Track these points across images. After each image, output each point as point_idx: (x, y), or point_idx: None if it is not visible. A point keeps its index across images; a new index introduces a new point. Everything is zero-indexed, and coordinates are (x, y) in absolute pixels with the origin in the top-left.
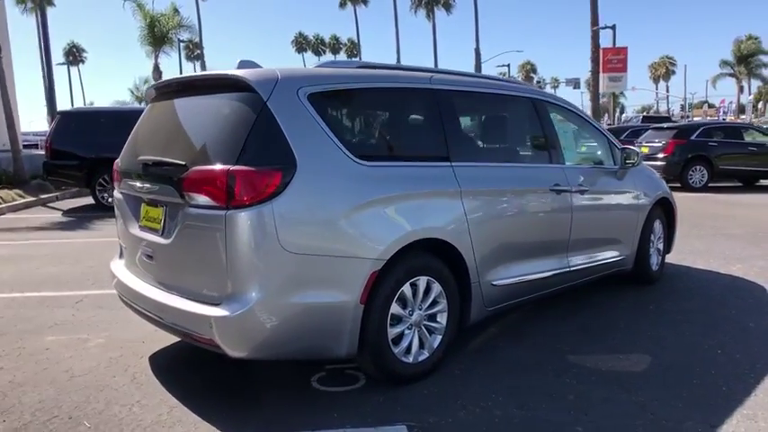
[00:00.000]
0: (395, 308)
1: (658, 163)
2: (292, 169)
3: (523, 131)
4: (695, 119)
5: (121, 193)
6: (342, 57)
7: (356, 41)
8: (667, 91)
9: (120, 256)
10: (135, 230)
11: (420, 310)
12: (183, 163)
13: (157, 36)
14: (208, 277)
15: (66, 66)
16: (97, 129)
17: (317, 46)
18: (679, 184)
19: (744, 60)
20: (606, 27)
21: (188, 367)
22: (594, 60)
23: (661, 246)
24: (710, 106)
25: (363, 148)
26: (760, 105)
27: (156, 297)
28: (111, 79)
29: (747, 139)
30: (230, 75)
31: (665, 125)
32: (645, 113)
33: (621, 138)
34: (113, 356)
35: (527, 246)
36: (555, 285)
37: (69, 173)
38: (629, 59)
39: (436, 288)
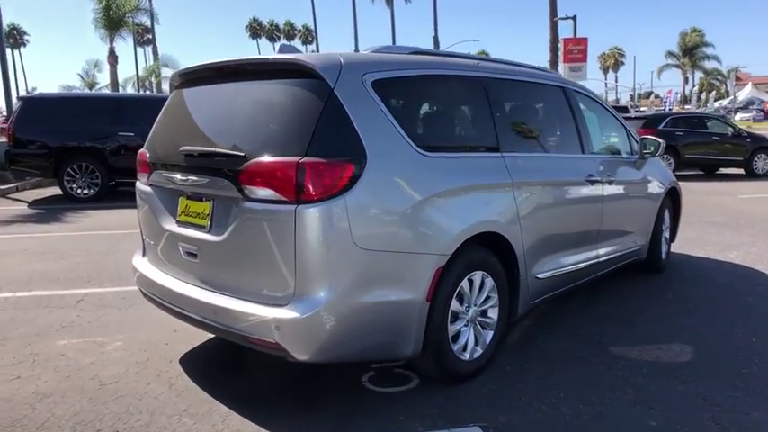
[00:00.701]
0: (454, 304)
1: None
2: (363, 161)
3: (558, 121)
4: (642, 109)
5: (151, 185)
6: (296, 44)
7: (312, 28)
8: (616, 81)
9: (144, 252)
10: (170, 226)
11: (475, 305)
12: (242, 154)
13: (113, 19)
14: (270, 277)
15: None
16: (64, 116)
17: (272, 32)
18: None
19: (689, 52)
20: (567, 18)
21: (225, 370)
22: (553, 50)
23: (668, 234)
24: (657, 97)
25: (424, 138)
26: (703, 96)
27: (202, 297)
28: (56, 64)
29: (712, 129)
30: (292, 60)
31: (632, 115)
32: None
33: None
34: (139, 361)
35: (566, 237)
36: (586, 276)
37: (35, 162)
38: None
39: (489, 283)
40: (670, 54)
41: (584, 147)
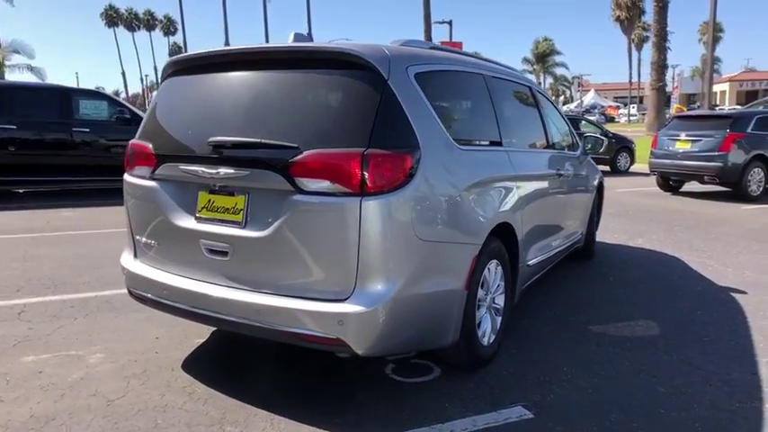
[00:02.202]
0: (480, 292)
1: None
2: (418, 152)
3: (532, 118)
4: None
5: (156, 179)
6: (157, 35)
7: (174, 19)
8: None
9: (136, 253)
10: (185, 222)
11: (490, 293)
12: (295, 145)
13: None
14: (327, 271)
15: None
16: None
17: (131, 21)
18: None
19: (541, 59)
20: (443, 22)
21: (235, 371)
22: None
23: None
24: None
25: (453, 132)
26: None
27: (239, 297)
28: None
29: (583, 129)
30: (342, 50)
31: None
32: None
33: None
34: (136, 372)
35: (545, 227)
36: (550, 264)
37: None
38: None
39: (500, 271)
40: (525, 60)
41: (550, 143)
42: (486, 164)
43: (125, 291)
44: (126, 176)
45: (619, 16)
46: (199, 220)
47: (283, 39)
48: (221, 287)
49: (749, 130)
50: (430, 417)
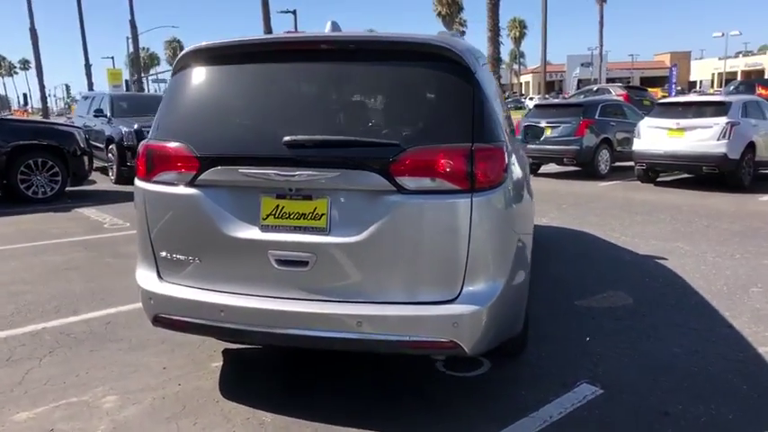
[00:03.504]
0: None
1: None
2: (507, 146)
3: (504, 105)
4: None
5: (200, 186)
6: None
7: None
8: None
9: (161, 272)
10: (246, 233)
11: None
12: (396, 143)
13: None
14: (432, 272)
15: None
16: None
17: None
18: None
19: None
20: (288, 11)
21: (287, 389)
22: None
23: None
24: None
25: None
26: None
27: (332, 310)
28: None
29: None
30: (429, 41)
31: None
32: None
33: None
34: (176, 411)
35: None
36: None
37: None
38: None
39: None
40: None
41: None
42: (518, 155)
43: (75, 319)
44: (144, 185)
45: (440, 12)
46: (265, 228)
47: (103, 25)
48: (302, 301)
49: (597, 117)
50: (519, 406)
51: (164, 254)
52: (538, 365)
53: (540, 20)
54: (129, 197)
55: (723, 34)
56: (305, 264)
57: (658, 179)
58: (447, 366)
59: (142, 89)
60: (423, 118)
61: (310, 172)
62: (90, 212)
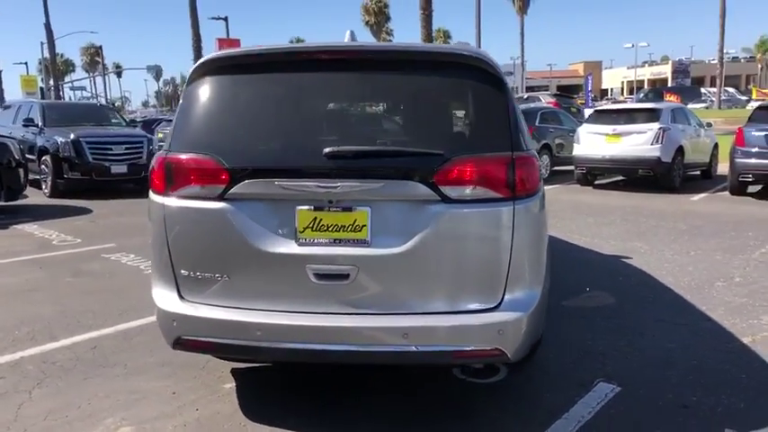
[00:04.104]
0: None
1: None
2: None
3: None
4: None
5: (231, 199)
6: None
7: None
8: None
9: (182, 292)
10: (282, 247)
11: None
12: (441, 152)
13: None
14: (476, 280)
15: None
16: None
17: None
18: None
19: None
20: (219, 18)
21: (316, 409)
22: (197, 49)
23: None
24: None
25: None
26: None
27: (372, 323)
28: None
29: None
30: (462, 52)
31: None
32: None
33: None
34: None
35: None
36: None
37: None
38: None
39: None
40: None
41: None
42: None
43: (55, 345)
44: (163, 200)
45: (368, 21)
46: (302, 242)
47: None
48: (343, 315)
49: (537, 124)
50: (548, 409)
51: (186, 272)
52: (549, 368)
53: (462, 31)
54: (69, 211)
55: (633, 45)
56: (345, 277)
57: (596, 182)
58: (466, 373)
59: (60, 97)
60: (462, 127)
61: (353, 183)
62: (32, 228)
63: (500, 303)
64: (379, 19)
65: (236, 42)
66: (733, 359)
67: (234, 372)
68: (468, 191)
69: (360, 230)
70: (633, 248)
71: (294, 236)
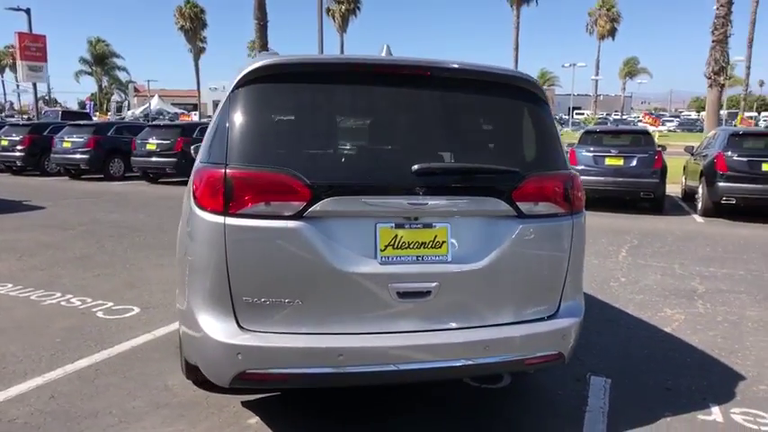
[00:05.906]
0: None
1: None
2: None
3: None
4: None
5: (310, 218)
6: None
7: None
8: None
9: (240, 320)
10: (363, 267)
11: None
12: (517, 169)
13: None
14: (541, 290)
15: None
16: None
17: None
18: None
19: (100, 61)
20: (19, 9)
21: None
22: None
23: None
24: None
25: None
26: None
27: (457, 339)
28: None
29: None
30: (516, 75)
31: (81, 122)
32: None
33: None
34: None
35: None
36: None
37: None
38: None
39: None
40: (83, 60)
41: None
42: None
43: (40, 380)
44: (221, 220)
45: (183, 26)
46: (384, 260)
47: None
48: (426, 333)
49: None
50: (568, 405)
51: (250, 298)
52: (548, 369)
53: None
54: None
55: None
56: (427, 294)
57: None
58: (477, 381)
59: None
60: (527, 146)
61: (439, 200)
62: None
63: (557, 311)
64: (194, 24)
65: (41, 38)
66: (669, 347)
67: (246, 404)
68: (538, 206)
69: (440, 247)
70: None
71: (375, 254)
